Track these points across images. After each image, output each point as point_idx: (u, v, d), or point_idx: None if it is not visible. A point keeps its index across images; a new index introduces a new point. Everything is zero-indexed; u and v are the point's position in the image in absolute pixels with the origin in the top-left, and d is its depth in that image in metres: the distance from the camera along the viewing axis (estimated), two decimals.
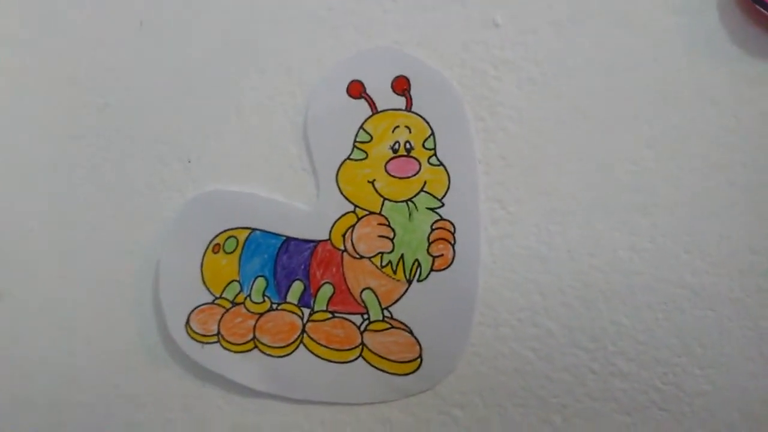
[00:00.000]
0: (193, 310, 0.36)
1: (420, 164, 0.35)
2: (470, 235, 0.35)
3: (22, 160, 0.40)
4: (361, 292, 0.35)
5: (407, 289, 0.35)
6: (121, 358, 0.38)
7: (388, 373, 0.35)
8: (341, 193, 0.35)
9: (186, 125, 0.38)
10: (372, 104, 0.35)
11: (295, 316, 0.36)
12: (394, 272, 0.35)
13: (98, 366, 0.39)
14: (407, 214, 0.35)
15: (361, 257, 0.35)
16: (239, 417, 0.37)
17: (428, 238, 0.35)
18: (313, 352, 0.36)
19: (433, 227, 0.35)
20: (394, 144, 0.35)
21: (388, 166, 0.35)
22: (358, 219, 0.35)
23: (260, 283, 0.36)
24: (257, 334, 0.36)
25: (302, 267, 0.36)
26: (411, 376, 0.35)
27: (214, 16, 0.37)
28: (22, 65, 0.40)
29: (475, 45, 0.35)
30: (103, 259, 0.39)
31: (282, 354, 0.36)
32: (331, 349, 0.36)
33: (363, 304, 0.35)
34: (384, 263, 0.35)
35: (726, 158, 0.33)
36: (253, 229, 0.36)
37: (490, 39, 0.35)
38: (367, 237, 0.35)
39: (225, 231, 0.36)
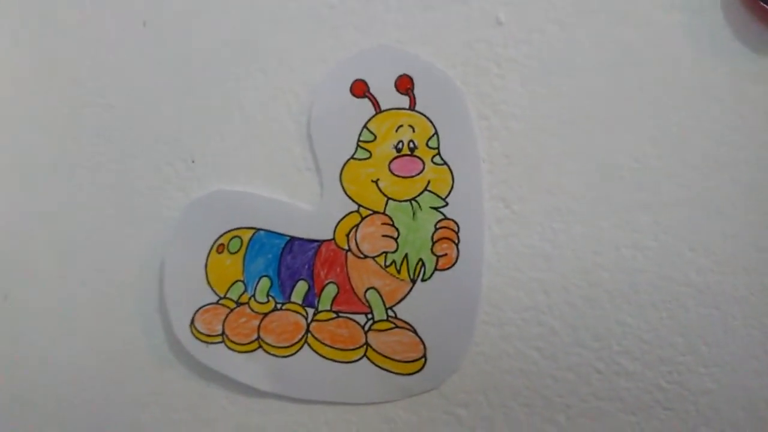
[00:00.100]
0: (197, 310, 0.36)
1: (424, 163, 0.35)
2: (474, 234, 0.35)
3: (24, 160, 0.40)
4: (365, 291, 0.35)
5: (411, 289, 0.35)
6: (126, 359, 0.38)
7: (392, 372, 0.35)
8: (345, 193, 0.35)
9: (189, 125, 0.38)
10: (375, 103, 0.35)
11: (299, 316, 0.36)
12: (398, 272, 0.35)
13: (103, 366, 0.39)
14: (411, 214, 0.35)
15: (365, 257, 0.35)
16: (244, 417, 0.37)
17: (432, 238, 0.35)
18: (317, 352, 0.36)
19: (437, 226, 0.35)
20: (398, 143, 0.35)
21: (392, 166, 0.35)
22: (362, 218, 0.35)
23: (264, 283, 0.36)
24: (262, 334, 0.36)
25: (306, 267, 0.36)
26: (415, 375, 0.35)
27: (217, 16, 0.37)
28: (24, 65, 0.40)
29: (479, 43, 0.35)
30: (107, 260, 0.39)
31: (286, 354, 0.36)
32: (336, 348, 0.36)
33: (367, 304, 0.35)
34: (388, 263, 0.35)
35: (730, 156, 0.33)
36: (257, 229, 0.36)
37: (494, 37, 0.35)
38: (371, 236, 0.35)
39: (229, 231, 0.36)
